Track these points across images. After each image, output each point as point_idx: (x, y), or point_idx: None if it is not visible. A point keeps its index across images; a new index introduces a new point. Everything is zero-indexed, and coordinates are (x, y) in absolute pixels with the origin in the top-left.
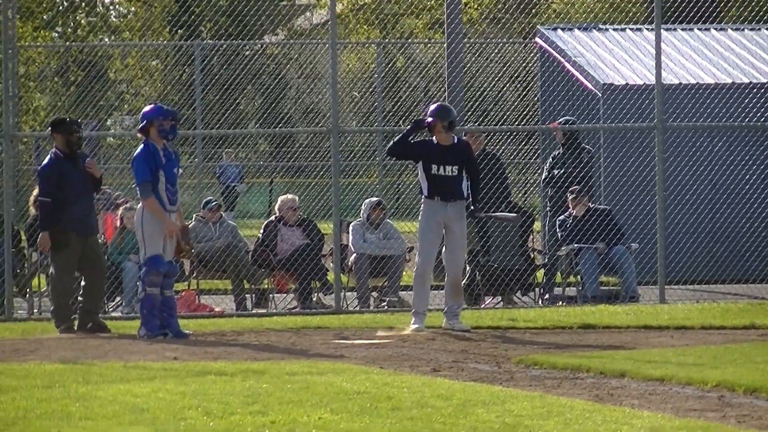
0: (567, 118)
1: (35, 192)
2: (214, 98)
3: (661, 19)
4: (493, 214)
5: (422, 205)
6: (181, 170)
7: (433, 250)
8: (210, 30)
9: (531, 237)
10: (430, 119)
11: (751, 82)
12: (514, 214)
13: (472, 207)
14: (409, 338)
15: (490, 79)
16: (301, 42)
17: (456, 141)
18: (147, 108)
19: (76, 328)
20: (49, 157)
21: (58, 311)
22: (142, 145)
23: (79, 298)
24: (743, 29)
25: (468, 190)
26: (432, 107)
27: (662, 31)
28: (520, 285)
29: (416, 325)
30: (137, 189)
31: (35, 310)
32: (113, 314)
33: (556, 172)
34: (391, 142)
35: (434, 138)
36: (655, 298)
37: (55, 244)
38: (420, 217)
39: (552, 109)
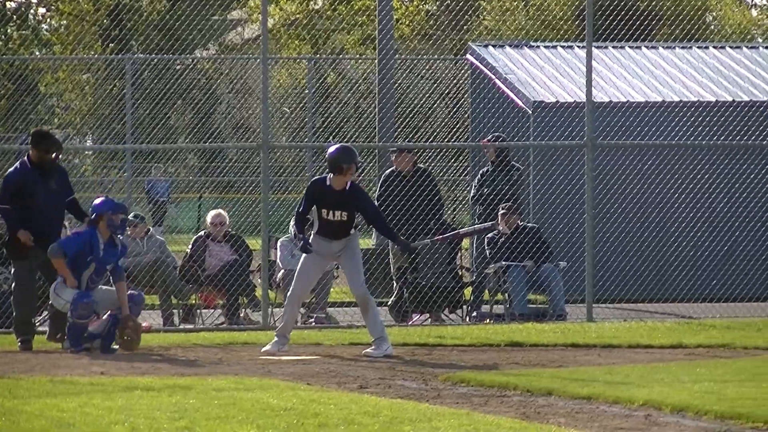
0: (497, 134)
1: None
2: (145, 112)
3: (593, 36)
4: (463, 231)
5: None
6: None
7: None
8: (141, 44)
9: (459, 254)
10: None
11: (681, 101)
12: (489, 223)
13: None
14: (335, 355)
15: (421, 95)
16: (232, 57)
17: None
18: (98, 200)
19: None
20: (15, 166)
21: (17, 324)
22: (87, 228)
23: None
24: (674, 48)
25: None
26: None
27: (593, 48)
28: (447, 302)
29: (269, 347)
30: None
31: None
32: (40, 329)
33: (485, 189)
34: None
35: (327, 180)
36: (583, 317)
37: (15, 254)
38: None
39: (482, 126)
